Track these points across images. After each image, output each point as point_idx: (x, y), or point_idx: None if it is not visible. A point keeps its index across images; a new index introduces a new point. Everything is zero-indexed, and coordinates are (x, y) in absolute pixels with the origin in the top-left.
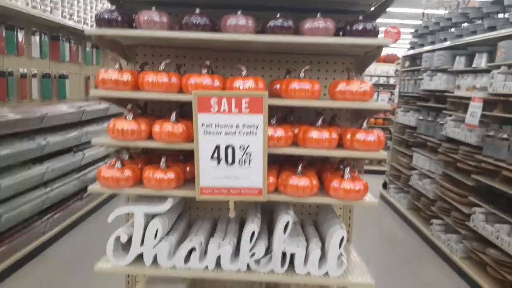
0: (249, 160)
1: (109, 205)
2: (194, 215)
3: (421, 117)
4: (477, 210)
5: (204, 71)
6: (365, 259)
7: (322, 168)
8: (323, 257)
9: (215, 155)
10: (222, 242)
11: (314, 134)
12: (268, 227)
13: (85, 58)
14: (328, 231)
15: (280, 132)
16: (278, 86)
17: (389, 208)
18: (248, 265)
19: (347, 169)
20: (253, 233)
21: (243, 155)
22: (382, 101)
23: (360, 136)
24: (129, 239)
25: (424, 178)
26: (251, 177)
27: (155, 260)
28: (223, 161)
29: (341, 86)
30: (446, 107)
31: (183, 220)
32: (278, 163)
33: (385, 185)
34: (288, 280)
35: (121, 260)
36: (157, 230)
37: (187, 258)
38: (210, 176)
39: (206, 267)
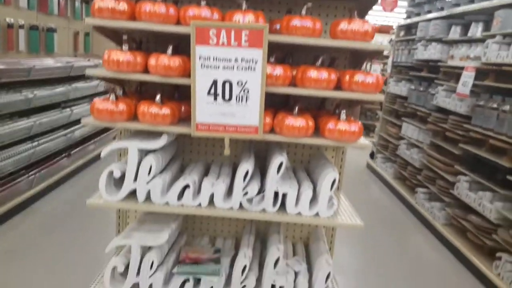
0: (246, 97)
1: (97, 164)
2: (187, 158)
3: (412, 87)
4: (461, 178)
5: (203, 3)
6: (352, 229)
7: (318, 114)
8: (314, 199)
9: (212, 90)
10: (215, 181)
11: (313, 73)
12: (261, 171)
13: (74, 12)
14: (320, 174)
15: (278, 70)
16: (278, 26)
17: (376, 177)
18: (240, 204)
19: (343, 112)
20: (246, 173)
21: (240, 92)
22: (374, 71)
23: (359, 77)
24: (122, 176)
25: (412, 148)
26: (247, 115)
27: (148, 197)
28: (220, 97)
29: (343, 25)
30: (439, 77)
31: (176, 162)
32: (274, 107)
33: (372, 155)
34: (279, 219)
35: (114, 195)
36: (151, 166)
37: (180, 196)
38: (206, 112)
39: (199, 204)
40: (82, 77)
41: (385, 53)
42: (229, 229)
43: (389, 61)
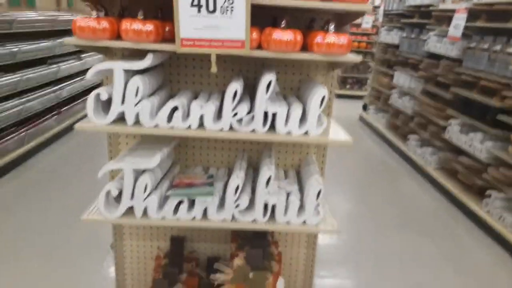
0: (232, 8)
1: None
2: (176, 88)
3: (404, 35)
4: (453, 122)
5: None
6: (344, 176)
7: (307, 33)
8: (303, 118)
9: (195, 1)
10: (205, 104)
11: None
12: (251, 96)
13: None
14: (310, 94)
15: None
16: None
17: (368, 129)
18: (230, 125)
19: (331, 24)
20: (235, 93)
21: (225, 2)
22: (366, 23)
23: None
24: (110, 100)
25: (404, 96)
26: (233, 28)
27: (137, 120)
28: (203, 8)
29: None
30: (430, 22)
31: (164, 89)
32: (260, 25)
33: (365, 107)
34: (269, 138)
35: (102, 119)
36: (138, 88)
37: (169, 119)
38: (191, 25)
39: (189, 126)
40: (68, 32)
41: (377, 3)
42: (222, 159)
43: (381, 9)
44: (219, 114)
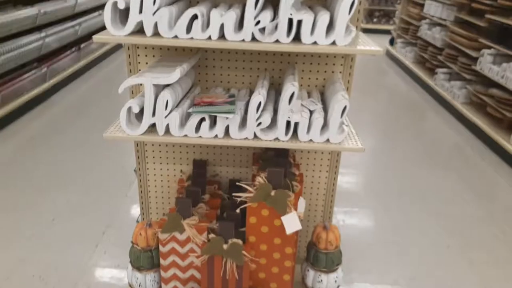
0: None
1: (110, 59)
2: (195, 1)
3: None
4: (485, 52)
5: None
6: (368, 112)
7: None
8: (330, 28)
9: None
10: (225, 12)
11: None
12: (273, 3)
13: None
14: (337, 0)
15: None
16: None
17: (395, 64)
18: (252, 35)
19: None
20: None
21: None
22: None
23: None
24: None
25: (434, 27)
26: None
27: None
28: None
29: None
30: None
31: None
32: None
33: (392, 41)
34: (294, 49)
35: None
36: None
37: (188, 29)
38: None
39: (209, 37)
40: None
41: None
42: (243, 80)
43: None
44: (240, 24)
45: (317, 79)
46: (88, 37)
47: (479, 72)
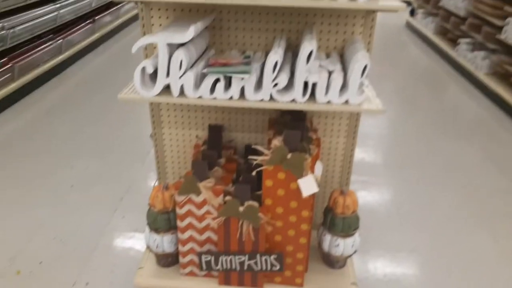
0: None
1: (125, 31)
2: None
3: None
4: (511, 20)
5: None
6: (388, 84)
7: None
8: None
9: None
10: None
11: None
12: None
13: None
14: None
15: None
16: None
17: (415, 36)
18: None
19: None
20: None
21: None
22: None
23: None
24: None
25: None
26: None
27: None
28: None
29: None
30: None
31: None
32: None
33: (412, 12)
34: (312, 4)
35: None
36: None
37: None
38: None
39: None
40: None
41: None
42: (259, 42)
43: None
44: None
45: (336, 40)
46: (102, 8)
47: (503, 42)
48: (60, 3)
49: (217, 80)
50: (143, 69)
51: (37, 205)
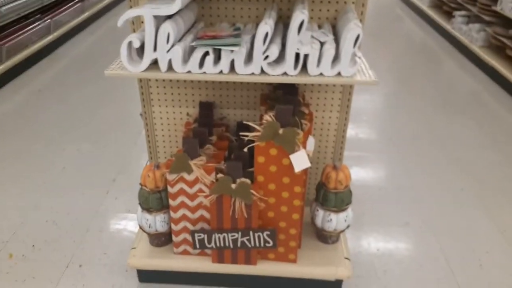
0: None
1: (115, 11)
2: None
3: None
4: None
5: None
6: (382, 59)
7: None
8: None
9: None
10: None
11: None
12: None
13: None
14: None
15: None
16: None
17: (409, 9)
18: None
19: None
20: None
21: None
22: None
23: None
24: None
25: None
26: None
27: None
28: None
29: None
30: None
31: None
32: None
33: None
34: None
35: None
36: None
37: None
38: None
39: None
40: None
41: None
42: (249, 13)
43: None
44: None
45: (328, 10)
46: None
47: (499, 13)
48: None
49: (206, 54)
50: (130, 43)
51: (29, 188)
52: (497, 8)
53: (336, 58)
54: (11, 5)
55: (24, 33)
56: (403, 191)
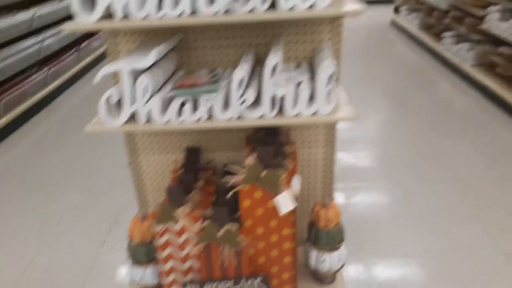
0: None
1: (106, 62)
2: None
3: None
4: (492, 9)
5: None
6: (377, 83)
7: None
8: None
9: None
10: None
11: None
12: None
13: None
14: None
15: None
16: None
17: (400, 33)
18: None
19: None
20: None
21: None
22: None
23: None
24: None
25: None
26: None
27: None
28: None
29: None
30: None
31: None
32: None
33: (396, 9)
34: (270, 17)
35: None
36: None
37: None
38: None
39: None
40: None
41: None
42: (229, 58)
43: None
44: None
45: (305, 49)
46: (86, 36)
47: (486, 31)
48: (43, 34)
49: (185, 102)
50: (108, 97)
51: (26, 240)
52: (484, 26)
53: (312, 97)
54: (9, 61)
55: (21, 86)
56: (403, 219)
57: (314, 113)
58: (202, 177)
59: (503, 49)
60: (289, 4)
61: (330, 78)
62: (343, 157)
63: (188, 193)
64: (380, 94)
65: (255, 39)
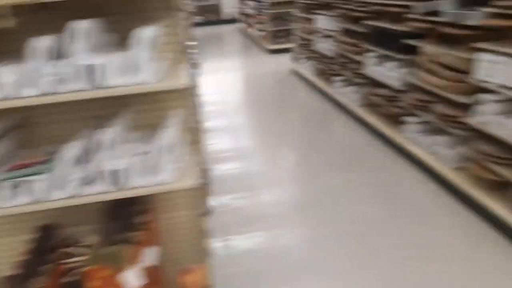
0: None
1: None
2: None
3: None
4: (368, 55)
5: None
6: (277, 129)
7: None
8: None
9: None
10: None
11: None
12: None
13: None
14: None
15: None
16: None
17: (299, 79)
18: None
19: None
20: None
21: None
22: None
23: None
24: None
25: (326, 39)
26: None
27: None
28: None
29: None
30: None
31: None
32: None
33: (295, 58)
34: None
35: None
36: None
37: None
38: None
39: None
40: None
41: None
42: (72, 132)
43: None
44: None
45: (153, 118)
46: None
47: (366, 75)
48: None
49: (18, 186)
50: None
51: None
52: (363, 71)
53: (154, 167)
54: None
55: None
56: (299, 264)
57: (156, 184)
58: (55, 257)
59: (380, 91)
60: (111, 82)
61: (171, 147)
62: (243, 201)
63: (31, 278)
64: (279, 137)
65: (103, 110)
